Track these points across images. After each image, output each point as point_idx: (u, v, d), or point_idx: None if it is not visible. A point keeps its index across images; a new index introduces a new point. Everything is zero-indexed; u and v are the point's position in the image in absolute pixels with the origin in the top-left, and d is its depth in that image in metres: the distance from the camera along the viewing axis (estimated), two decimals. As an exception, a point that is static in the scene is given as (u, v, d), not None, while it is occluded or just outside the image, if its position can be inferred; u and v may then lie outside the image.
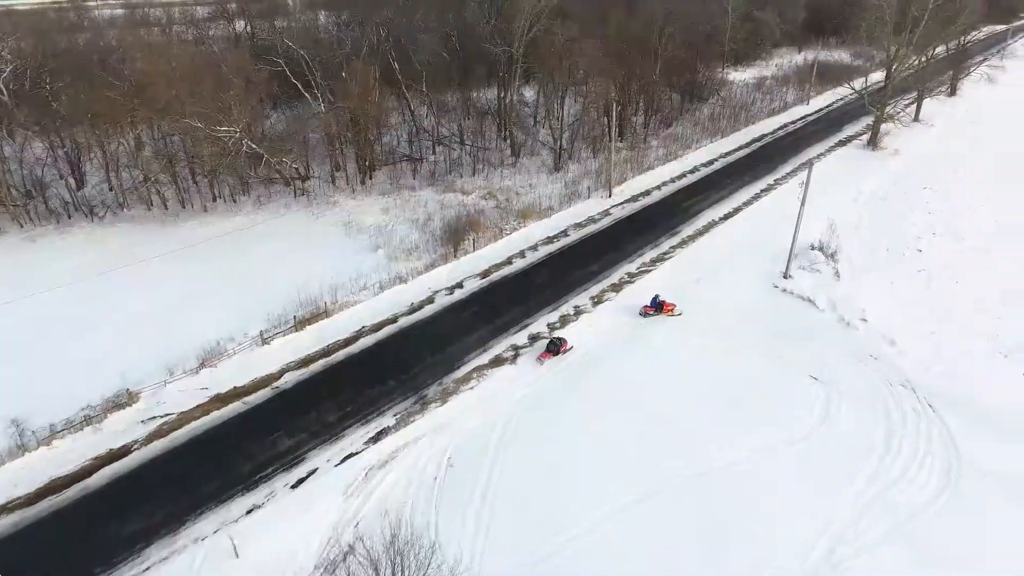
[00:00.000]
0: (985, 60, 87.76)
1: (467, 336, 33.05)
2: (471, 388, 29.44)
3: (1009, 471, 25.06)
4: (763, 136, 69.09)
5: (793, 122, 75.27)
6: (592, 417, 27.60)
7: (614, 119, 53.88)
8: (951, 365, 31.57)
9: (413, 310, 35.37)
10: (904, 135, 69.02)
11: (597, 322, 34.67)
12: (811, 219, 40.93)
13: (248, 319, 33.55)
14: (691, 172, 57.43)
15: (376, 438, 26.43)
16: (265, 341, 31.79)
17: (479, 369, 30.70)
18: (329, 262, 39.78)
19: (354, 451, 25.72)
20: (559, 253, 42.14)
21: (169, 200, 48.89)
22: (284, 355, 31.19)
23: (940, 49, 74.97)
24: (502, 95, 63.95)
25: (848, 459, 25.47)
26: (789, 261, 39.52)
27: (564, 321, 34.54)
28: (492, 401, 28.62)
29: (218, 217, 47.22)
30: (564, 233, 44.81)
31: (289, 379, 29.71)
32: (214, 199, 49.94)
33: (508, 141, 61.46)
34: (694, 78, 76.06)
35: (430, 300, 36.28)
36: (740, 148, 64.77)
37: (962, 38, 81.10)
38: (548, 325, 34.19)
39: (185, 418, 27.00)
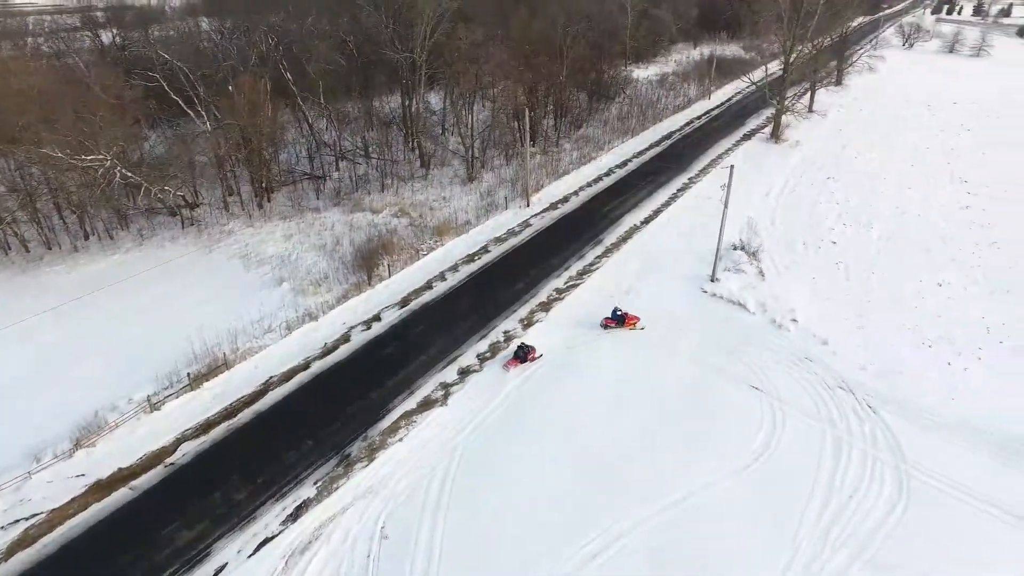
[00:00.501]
0: (864, 50, 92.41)
1: (391, 377, 29.98)
2: (400, 440, 26.44)
3: (952, 471, 24.87)
4: (671, 133, 69.45)
5: (698, 117, 76.34)
6: (532, 460, 25.31)
7: (527, 124, 52.00)
8: (881, 361, 31.61)
9: (327, 352, 31.85)
10: (802, 126, 71.41)
11: (528, 352, 32.44)
12: (728, 217, 40.56)
13: (133, 381, 29.00)
14: (606, 175, 56.47)
15: (295, 514, 23.00)
16: (154, 407, 27.45)
17: (407, 416, 27.74)
18: (227, 302, 35.49)
19: (270, 534, 22.19)
20: (481, 272, 39.67)
21: (31, 241, 42.54)
22: (178, 422, 26.96)
23: (826, 41, 77.97)
24: (407, 103, 60.69)
25: (802, 478, 24.53)
26: (716, 264, 38.91)
27: (495, 350, 32.13)
28: (425, 452, 25.78)
29: (92, 257, 41.45)
30: (485, 249, 42.37)
31: (186, 451, 25.59)
32: (86, 236, 43.93)
33: (417, 152, 58.34)
34: (600, 77, 75.55)
35: (346, 338, 32.88)
36: (651, 147, 64.66)
37: (845, 28, 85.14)
38: (478, 356, 31.67)
39: (57, 517, 22.48)
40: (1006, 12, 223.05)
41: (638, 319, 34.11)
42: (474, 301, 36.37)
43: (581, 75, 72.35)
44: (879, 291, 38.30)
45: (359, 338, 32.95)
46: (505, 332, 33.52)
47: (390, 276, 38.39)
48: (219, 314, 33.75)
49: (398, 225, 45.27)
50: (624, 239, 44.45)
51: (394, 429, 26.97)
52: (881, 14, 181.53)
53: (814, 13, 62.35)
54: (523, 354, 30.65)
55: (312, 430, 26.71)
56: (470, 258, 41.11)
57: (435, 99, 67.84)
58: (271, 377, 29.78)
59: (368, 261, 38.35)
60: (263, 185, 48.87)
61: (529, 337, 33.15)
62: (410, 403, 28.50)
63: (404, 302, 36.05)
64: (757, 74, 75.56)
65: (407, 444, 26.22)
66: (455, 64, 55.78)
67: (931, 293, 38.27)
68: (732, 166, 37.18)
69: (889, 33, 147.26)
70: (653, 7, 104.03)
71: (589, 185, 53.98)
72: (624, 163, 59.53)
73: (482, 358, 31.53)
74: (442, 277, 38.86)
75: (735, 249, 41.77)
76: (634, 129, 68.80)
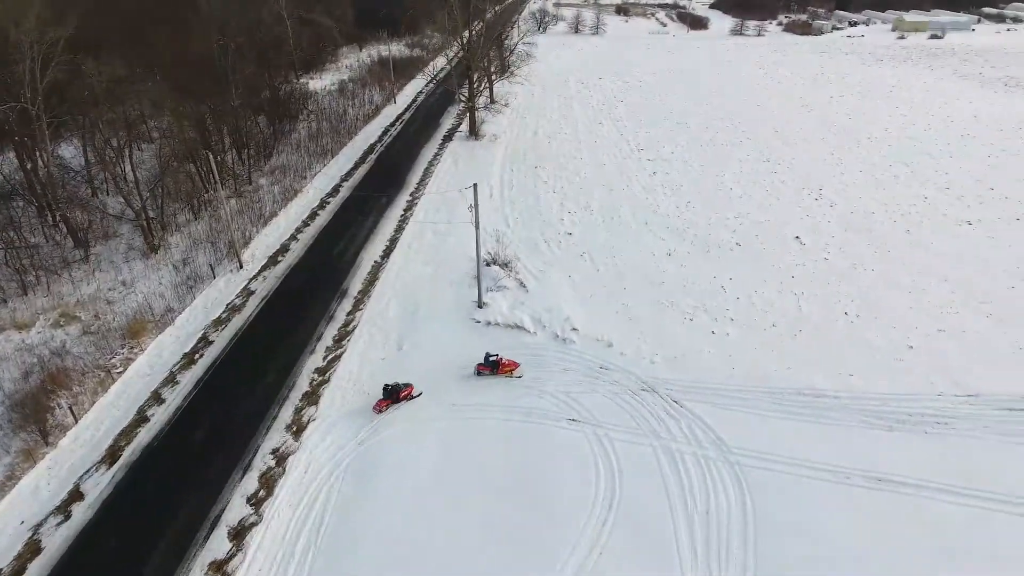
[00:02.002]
0: (521, 37, 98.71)
1: (127, 583, 20.69)
2: None
3: (765, 444, 25.71)
4: (373, 146, 64.97)
5: (392, 124, 73.03)
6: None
7: (213, 165, 42.52)
8: (663, 348, 32.13)
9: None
10: (490, 119, 72.80)
11: (313, 458, 25.66)
12: (467, 233, 38.18)
13: None
14: (321, 208, 49.79)
15: None
16: None
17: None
18: None
19: None
20: (212, 375, 30.74)
21: None
22: None
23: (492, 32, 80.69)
24: (28, 165, 45.46)
25: (658, 511, 22.89)
26: (480, 289, 36.05)
27: (268, 482, 24.55)
28: None
29: None
30: (205, 341, 33.16)
31: None
32: None
33: (64, 228, 44.15)
34: (275, 95, 67.12)
35: (34, 547, 21.98)
36: (357, 165, 59.40)
37: (512, 21, 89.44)
38: (250, 502, 23.79)
39: None
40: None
41: (517, 365, 30.05)
42: (215, 420, 27.74)
43: (253, 96, 63.28)
44: (628, 274, 39.56)
45: (55, 540, 22.28)
46: (275, 451, 25.99)
47: (77, 421, 27.34)
48: None
49: (66, 339, 33.08)
50: (370, 282, 39.04)
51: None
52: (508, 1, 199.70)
53: (484, 8, 62.94)
54: (395, 394, 27.70)
55: None
56: (189, 359, 31.65)
57: (70, 152, 52.51)
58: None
59: (35, 411, 26.75)
60: None
61: (309, 442, 26.26)
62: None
63: (112, 455, 25.78)
64: (447, 72, 74.85)
65: None
66: (88, 107, 43.03)
67: (667, 264, 40.83)
68: (475, 184, 34.33)
69: (522, 19, 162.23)
70: (307, 12, 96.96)
71: (306, 225, 46.78)
72: (335, 190, 53.34)
73: (257, 501, 23.79)
74: (158, 398, 29.03)
75: (488, 265, 39.49)
76: (332, 149, 62.57)
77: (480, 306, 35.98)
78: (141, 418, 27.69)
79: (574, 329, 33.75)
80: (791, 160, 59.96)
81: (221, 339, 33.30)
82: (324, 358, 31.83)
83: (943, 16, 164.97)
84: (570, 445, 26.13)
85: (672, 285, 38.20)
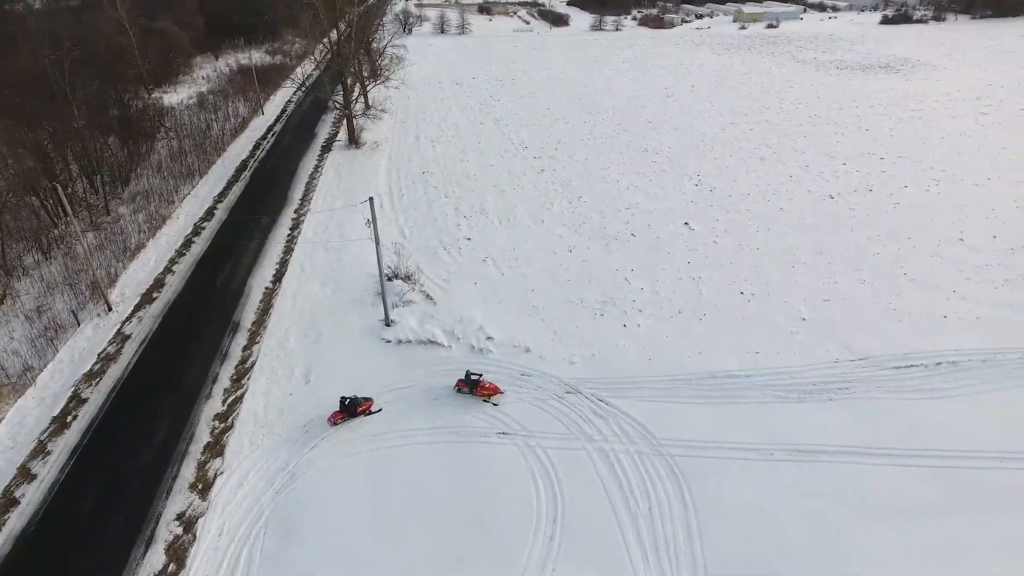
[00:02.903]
0: (389, 40, 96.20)
1: None
2: None
3: (691, 432, 26.31)
4: (246, 163, 60.57)
5: (264, 138, 68.52)
6: None
7: (61, 196, 37.52)
8: (577, 346, 32.15)
9: None
10: (369, 126, 70.32)
11: (227, 517, 23.10)
12: (364, 248, 36.47)
13: None
14: (195, 235, 45.53)
15: None
16: None
17: None
18: None
19: None
20: (93, 440, 26.94)
21: None
22: None
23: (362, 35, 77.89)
24: None
25: (603, 517, 22.67)
26: (386, 306, 34.37)
27: (177, 553, 21.78)
28: None
29: None
30: (77, 400, 29.05)
31: None
32: None
33: None
34: (125, 113, 60.72)
35: None
36: (231, 184, 55.08)
37: (375, 25, 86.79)
38: (159, 578, 21.03)
39: None
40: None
41: (497, 391, 28.38)
42: (103, 491, 24.30)
43: (100, 115, 56.92)
44: (533, 275, 39.35)
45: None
46: (180, 516, 23.13)
47: (-77, 517, 22.97)
48: None
49: None
50: (264, 312, 36.13)
51: None
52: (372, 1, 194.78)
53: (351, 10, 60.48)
54: (352, 408, 26.76)
55: None
56: (60, 423, 27.58)
57: None
58: None
59: None
60: None
61: (219, 499, 23.65)
62: None
63: (-24, 552, 21.86)
64: (317, 79, 71.16)
65: None
66: None
67: (569, 261, 41.07)
68: (371, 198, 32.52)
69: (387, 21, 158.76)
70: (152, 20, 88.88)
71: (181, 255, 42.57)
72: (209, 213, 49.07)
73: (165, 576, 21.06)
74: (27, 475, 25.03)
75: (391, 280, 37.82)
76: (199, 168, 57.63)
77: (388, 324, 34.34)
78: (8, 501, 23.71)
79: (489, 338, 33.02)
80: (668, 149, 62.65)
81: (97, 395, 29.37)
82: (224, 402, 28.93)
83: (776, 7, 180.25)
84: (504, 460, 25.41)
85: (578, 282, 38.46)
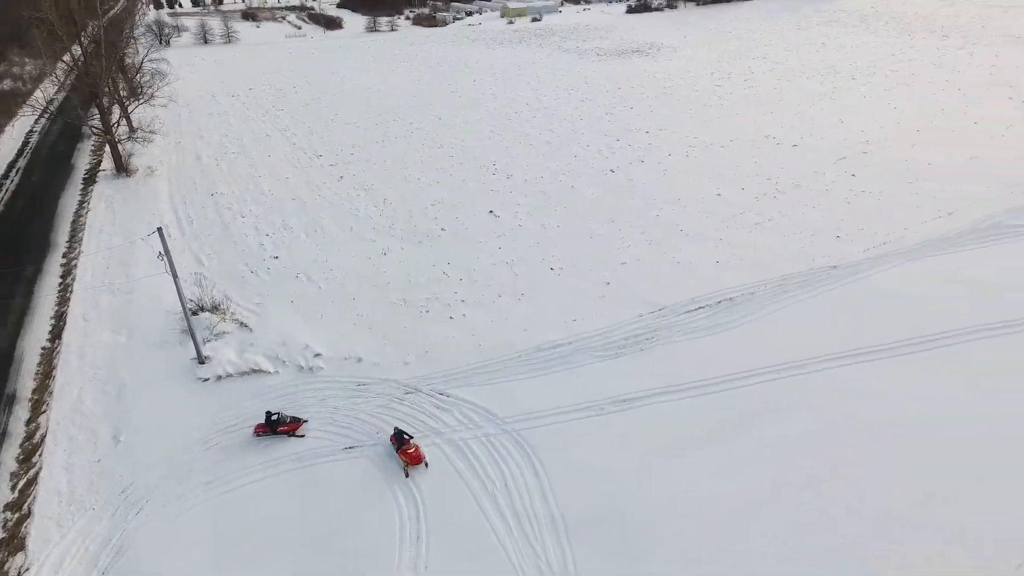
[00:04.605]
0: (147, 54, 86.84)
1: None
2: None
3: (535, 404, 28.03)
4: None
5: (6, 176, 58.60)
6: None
7: None
8: (409, 346, 32.47)
9: None
10: (139, 151, 63.44)
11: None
12: (158, 284, 33.57)
13: None
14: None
15: None
16: None
17: None
18: None
19: None
20: None
21: None
22: None
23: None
24: None
25: (469, 513, 23.14)
26: (196, 343, 31.72)
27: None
28: None
29: None
30: None
31: None
32: None
33: None
34: None
35: None
36: (-31, 236, 46.56)
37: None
38: None
39: None
40: (218, 1, 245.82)
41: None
42: None
43: None
44: (351, 284, 38.73)
45: None
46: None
47: None
48: None
49: None
50: (46, 376, 31.51)
51: None
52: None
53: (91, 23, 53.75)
54: (275, 425, 25.95)
55: None
56: None
57: None
58: None
59: None
60: None
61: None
62: None
63: None
64: (64, 102, 62.03)
65: None
66: None
67: (386, 264, 40.98)
68: (160, 228, 29.67)
69: (139, 34, 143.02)
70: None
71: (-84, 328, 35.33)
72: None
73: None
74: None
75: (196, 314, 34.90)
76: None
77: (202, 361, 31.78)
78: None
79: (317, 355, 32.06)
80: (461, 143, 64.70)
81: None
82: (13, 488, 24.89)
83: (537, 2, 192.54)
84: (356, 474, 25.04)
85: (398, 283, 38.63)
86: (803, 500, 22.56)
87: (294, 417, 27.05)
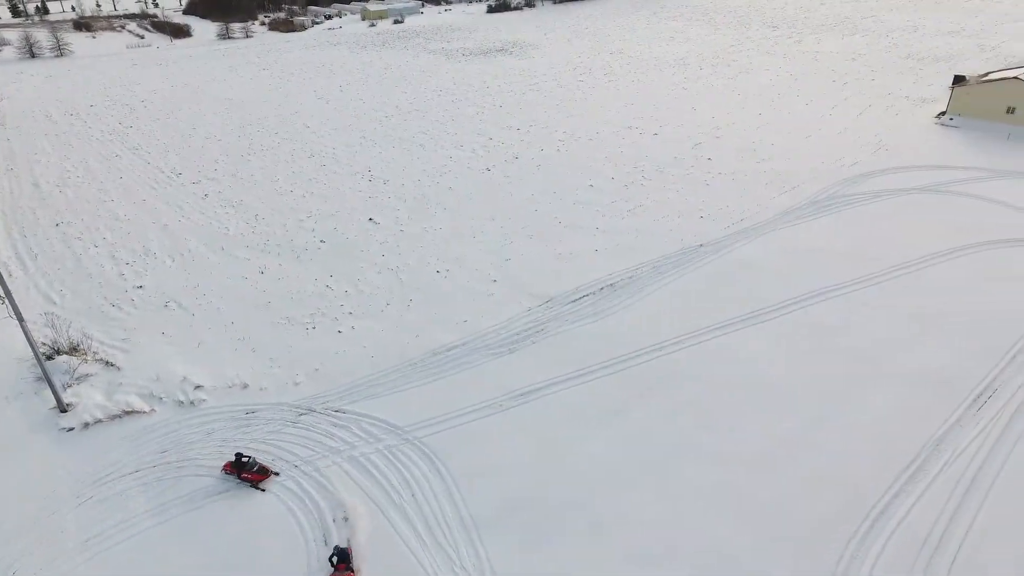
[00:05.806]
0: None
1: None
2: None
3: (429, 411, 28.08)
4: None
5: None
6: None
7: None
8: (295, 366, 31.29)
9: None
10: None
11: None
12: (6, 328, 30.28)
13: None
14: None
15: None
16: None
17: None
18: None
19: None
20: None
21: None
22: None
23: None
24: None
25: (378, 524, 23.08)
26: (55, 390, 28.75)
27: None
28: None
29: None
30: None
31: None
32: None
33: None
34: None
35: None
36: None
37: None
38: None
39: None
40: (43, 10, 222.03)
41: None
42: None
43: None
44: (228, 307, 36.69)
45: None
46: None
47: None
48: None
49: None
50: None
51: None
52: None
53: None
54: (239, 468, 24.19)
55: None
56: None
57: None
58: None
59: None
60: None
61: None
62: None
63: None
64: None
65: None
66: None
67: (264, 283, 39.16)
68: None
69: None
70: None
71: None
72: None
73: None
74: None
75: (52, 358, 31.69)
76: None
77: (64, 410, 28.89)
78: None
79: (198, 387, 30.14)
80: (332, 151, 62.98)
81: None
82: None
83: (398, 3, 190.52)
84: (255, 508, 23.86)
85: (279, 302, 37.11)
86: (698, 456, 24.45)
87: (263, 467, 24.88)
